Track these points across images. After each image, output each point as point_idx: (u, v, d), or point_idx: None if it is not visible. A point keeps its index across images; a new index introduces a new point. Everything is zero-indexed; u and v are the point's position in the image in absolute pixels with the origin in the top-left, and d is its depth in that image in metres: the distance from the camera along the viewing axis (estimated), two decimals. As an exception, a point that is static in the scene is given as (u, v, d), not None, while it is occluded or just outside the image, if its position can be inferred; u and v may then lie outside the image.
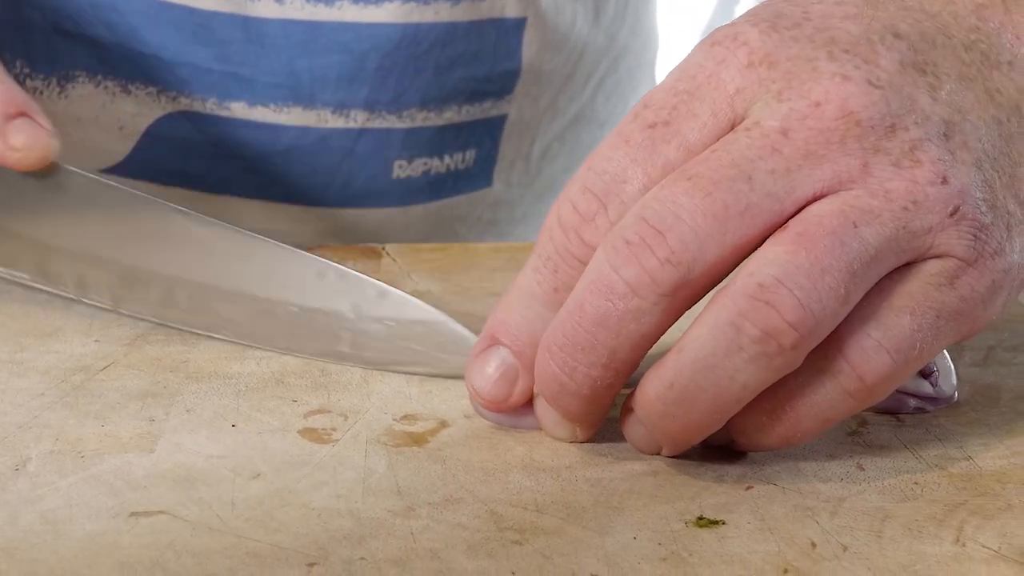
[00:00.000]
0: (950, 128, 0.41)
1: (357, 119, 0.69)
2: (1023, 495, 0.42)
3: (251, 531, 0.39)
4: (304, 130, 0.69)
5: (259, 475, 0.42)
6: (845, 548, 0.38)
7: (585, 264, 0.42)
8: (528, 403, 0.45)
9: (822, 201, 0.39)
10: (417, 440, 0.45)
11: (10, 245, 0.53)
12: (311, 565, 0.37)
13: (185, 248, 0.53)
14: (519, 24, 0.71)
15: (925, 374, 0.47)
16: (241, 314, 0.52)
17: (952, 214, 0.40)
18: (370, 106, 0.69)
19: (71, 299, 0.53)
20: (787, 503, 0.41)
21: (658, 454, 0.43)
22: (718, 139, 0.41)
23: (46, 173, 0.54)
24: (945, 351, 0.48)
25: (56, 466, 0.43)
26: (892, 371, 0.40)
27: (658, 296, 0.40)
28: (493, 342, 0.45)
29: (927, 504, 0.41)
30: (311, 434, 0.45)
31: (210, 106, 0.69)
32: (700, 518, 0.40)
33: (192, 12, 0.67)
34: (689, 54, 0.43)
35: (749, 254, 0.40)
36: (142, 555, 0.38)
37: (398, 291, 0.52)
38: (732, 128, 0.41)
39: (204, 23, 0.67)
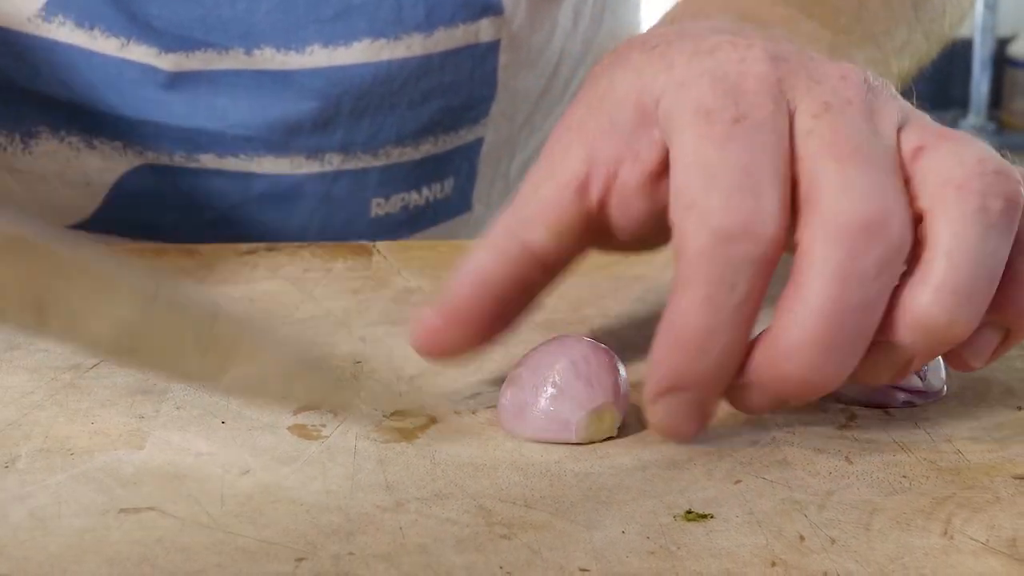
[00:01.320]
0: None
1: (332, 162, 0.68)
2: (1011, 488, 0.42)
3: (240, 527, 0.39)
4: (278, 177, 0.68)
5: (248, 471, 0.42)
6: (833, 541, 0.39)
7: (761, 263, 0.41)
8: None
9: (905, 132, 0.43)
10: (406, 436, 0.45)
11: None
12: (300, 560, 0.37)
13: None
14: (493, 47, 0.70)
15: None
16: None
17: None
18: (345, 148, 0.68)
19: None
20: (775, 497, 0.41)
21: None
22: (787, 124, 0.43)
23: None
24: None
25: (45, 463, 0.43)
26: None
27: (900, 265, 0.41)
28: (676, 391, 0.42)
29: (915, 497, 0.41)
30: (300, 430, 0.45)
31: (178, 159, 0.67)
32: (688, 512, 0.40)
33: (155, 71, 0.65)
34: (684, 62, 0.44)
35: None
36: (131, 551, 0.38)
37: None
38: (790, 112, 0.43)
39: (167, 82, 0.65)
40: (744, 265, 0.41)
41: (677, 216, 0.42)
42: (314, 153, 0.68)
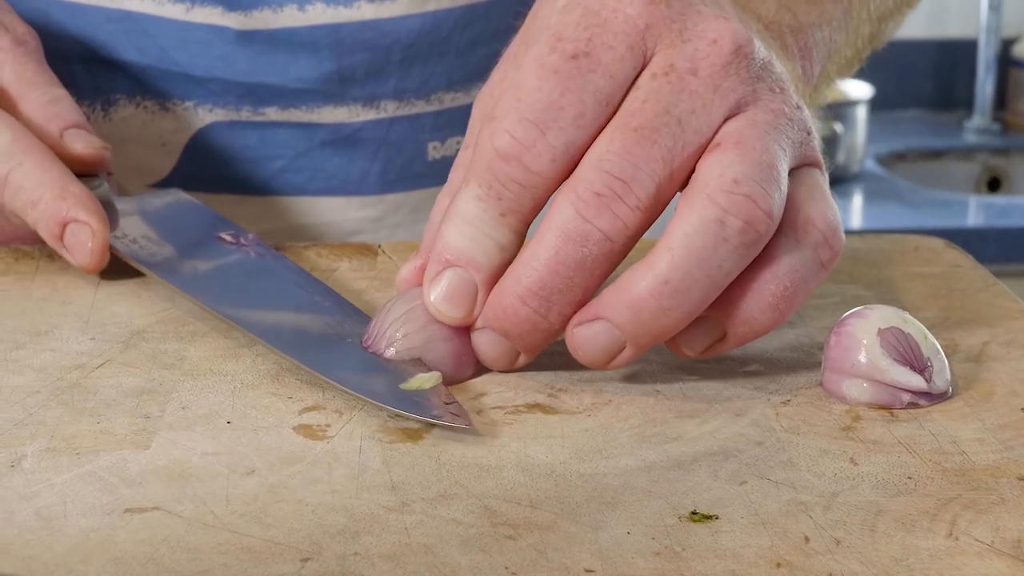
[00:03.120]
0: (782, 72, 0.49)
1: (387, 108, 0.72)
2: (1016, 489, 0.42)
3: (245, 527, 0.39)
4: (338, 126, 0.72)
5: (254, 471, 0.42)
6: (838, 542, 0.39)
7: (528, 189, 0.46)
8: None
9: (732, 120, 0.46)
10: (412, 436, 0.45)
11: None
12: (305, 560, 0.37)
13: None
14: None
15: (919, 369, 0.47)
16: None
17: (808, 133, 0.48)
18: (398, 95, 0.72)
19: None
20: (780, 498, 0.41)
21: (608, 365, 0.47)
22: (635, 70, 0.46)
23: None
24: (939, 347, 0.48)
25: (51, 463, 0.43)
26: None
27: (628, 238, 0.45)
28: (448, 265, 0.47)
29: (920, 498, 0.41)
30: (306, 430, 0.45)
31: (244, 114, 0.71)
32: (694, 513, 0.40)
33: (221, 31, 0.69)
34: None
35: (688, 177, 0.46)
36: (137, 551, 0.38)
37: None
38: (644, 60, 0.46)
39: (231, 39, 0.69)
40: (511, 184, 0.46)
41: (483, 123, 0.47)
42: (369, 101, 0.72)
